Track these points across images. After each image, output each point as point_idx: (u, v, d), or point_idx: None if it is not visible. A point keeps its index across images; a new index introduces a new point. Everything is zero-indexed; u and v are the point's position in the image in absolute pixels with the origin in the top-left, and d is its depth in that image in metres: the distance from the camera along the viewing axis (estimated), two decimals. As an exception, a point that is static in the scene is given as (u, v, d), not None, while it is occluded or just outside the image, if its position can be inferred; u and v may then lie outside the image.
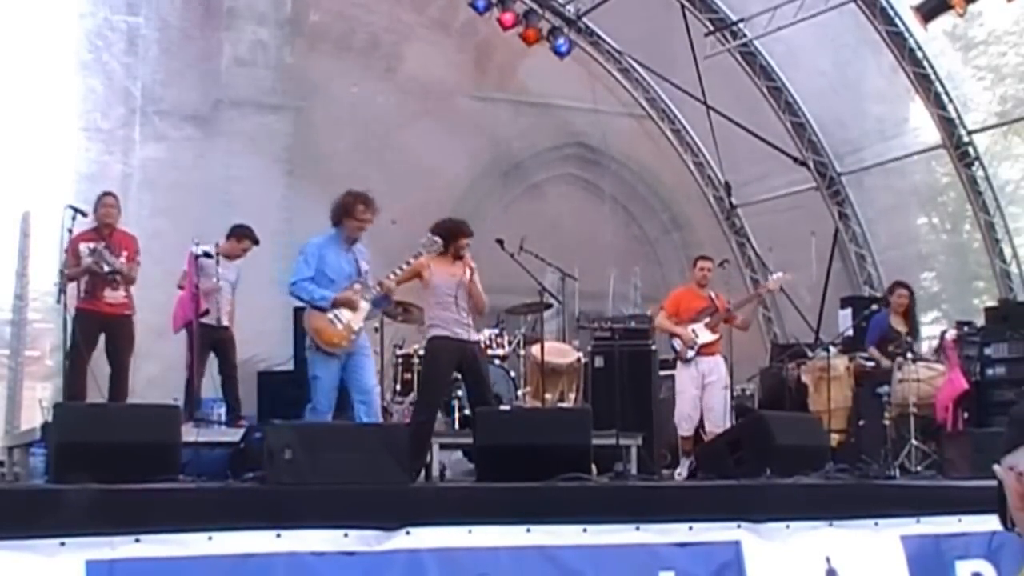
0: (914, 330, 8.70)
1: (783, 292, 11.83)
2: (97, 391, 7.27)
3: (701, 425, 7.97)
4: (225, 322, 8.16)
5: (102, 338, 7.48)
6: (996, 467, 1.81)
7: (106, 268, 7.33)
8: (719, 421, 7.79)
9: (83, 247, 7.33)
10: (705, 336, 7.95)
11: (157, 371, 8.13)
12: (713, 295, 8.14)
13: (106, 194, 7.73)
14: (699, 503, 5.11)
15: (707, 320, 7.98)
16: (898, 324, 8.62)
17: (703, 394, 7.89)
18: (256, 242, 8.37)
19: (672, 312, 8.16)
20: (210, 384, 8.04)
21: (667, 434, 8.54)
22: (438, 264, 6.52)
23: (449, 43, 12.06)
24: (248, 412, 8.18)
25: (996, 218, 11.23)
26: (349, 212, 6.27)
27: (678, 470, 7.65)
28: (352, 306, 6.21)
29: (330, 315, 6.16)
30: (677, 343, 8.02)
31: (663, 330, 8.26)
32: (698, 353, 7.91)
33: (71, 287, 7.23)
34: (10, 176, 9.37)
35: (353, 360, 6.25)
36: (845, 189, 12.34)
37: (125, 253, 7.50)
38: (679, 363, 8.03)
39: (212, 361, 8.10)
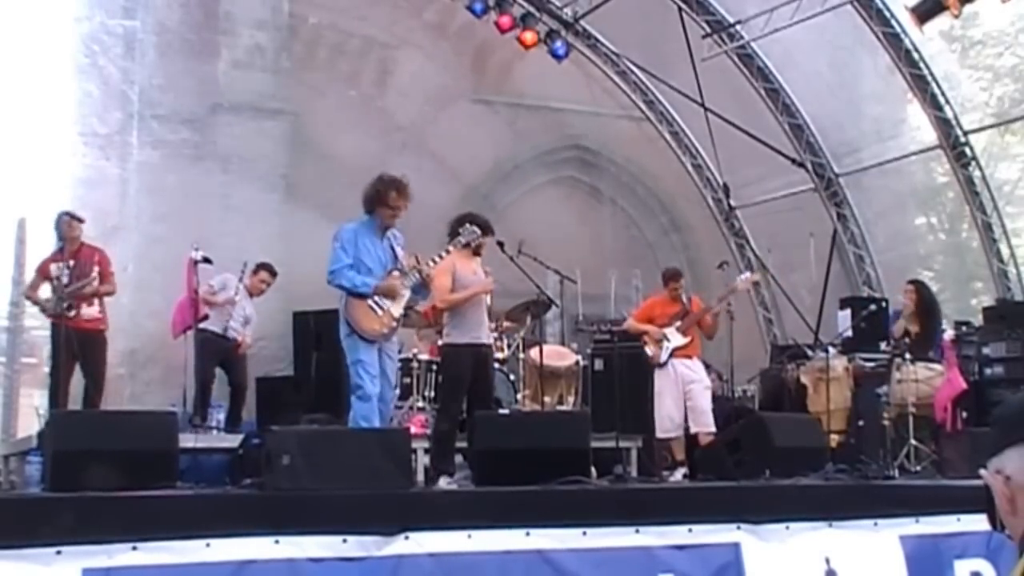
0: (928, 329, 8.54)
1: (784, 293, 11.88)
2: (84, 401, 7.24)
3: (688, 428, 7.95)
4: (232, 335, 8.19)
5: None
6: (982, 471, 1.81)
7: (65, 305, 7.28)
8: (706, 421, 7.76)
9: (54, 267, 7.36)
10: (677, 339, 7.93)
11: (156, 377, 8.07)
12: (686, 300, 8.12)
13: (64, 213, 7.60)
14: (698, 505, 5.11)
15: (679, 324, 7.97)
16: (911, 323, 8.56)
17: (686, 396, 7.85)
18: (274, 274, 8.43)
19: (643, 320, 8.19)
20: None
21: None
22: (460, 260, 6.41)
23: (446, 47, 12.05)
24: (247, 417, 8.17)
25: (993, 218, 11.22)
26: (383, 200, 6.08)
27: (672, 477, 7.59)
28: (393, 295, 6.07)
29: (370, 302, 6.00)
30: (649, 349, 8.01)
31: (631, 331, 8.27)
32: (673, 356, 7.91)
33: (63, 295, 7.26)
34: (6, 182, 9.32)
35: (381, 360, 6.07)
36: (843, 190, 12.33)
37: (97, 268, 7.47)
38: (656, 368, 7.99)
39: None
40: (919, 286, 8.90)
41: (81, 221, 7.52)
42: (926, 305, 8.67)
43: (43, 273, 7.39)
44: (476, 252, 6.50)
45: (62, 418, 5.41)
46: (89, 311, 7.42)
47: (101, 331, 7.52)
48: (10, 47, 9.53)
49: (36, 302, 7.43)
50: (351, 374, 6.02)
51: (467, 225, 6.37)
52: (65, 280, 7.30)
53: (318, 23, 11.43)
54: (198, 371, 7.69)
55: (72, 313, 7.28)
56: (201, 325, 8.01)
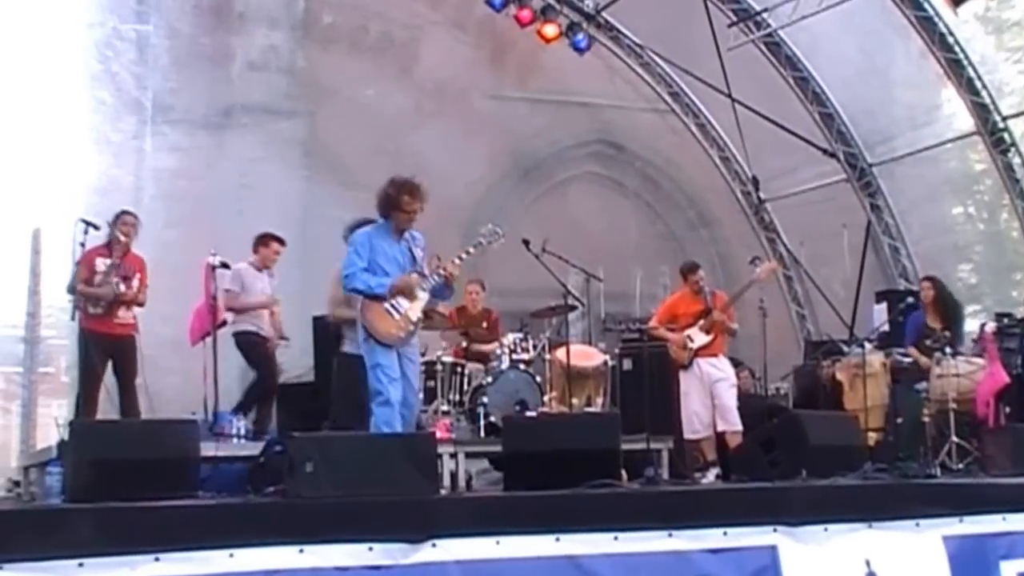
0: (950, 323, 8.47)
1: (817, 287, 11.72)
2: (112, 409, 7.19)
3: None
4: (265, 332, 8.15)
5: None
6: None
7: (115, 282, 7.29)
8: (732, 419, 7.74)
9: (99, 262, 7.29)
10: (700, 339, 7.92)
11: (173, 385, 8.02)
12: (708, 296, 8.08)
13: (127, 212, 7.61)
14: (733, 507, 4.99)
15: (702, 323, 7.95)
16: (932, 320, 8.47)
17: (712, 394, 7.84)
18: (281, 242, 8.28)
19: (666, 320, 8.18)
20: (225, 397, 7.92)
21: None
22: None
23: (465, 41, 11.96)
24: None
25: (1033, 206, 11.00)
26: (396, 205, 6.03)
27: (705, 478, 7.51)
28: (410, 294, 5.99)
29: (386, 305, 5.94)
30: (673, 352, 8.03)
31: (654, 335, 8.29)
32: (696, 355, 7.90)
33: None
34: (20, 191, 9.27)
35: (401, 364, 6.01)
36: (876, 180, 12.15)
37: (139, 275, 7.48)
38: (681, 370, 8.00)
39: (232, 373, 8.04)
40: (935, 281, 8.75)
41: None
42: (943, 300, 8.55)
43: (88, 266, 7.25)
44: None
45: (82, 428, 5.36)
46: (126, 314, 7.41)
47: (133, 336, 7.50)
48: (22, 55, 9.49)
49: (90, 295, 7.21)
50: (370, 379, 5.96)
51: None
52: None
53: (333, 21, 11.36)
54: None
55: (123, 289, 7.26)
56: (241, 328, 7.98)
